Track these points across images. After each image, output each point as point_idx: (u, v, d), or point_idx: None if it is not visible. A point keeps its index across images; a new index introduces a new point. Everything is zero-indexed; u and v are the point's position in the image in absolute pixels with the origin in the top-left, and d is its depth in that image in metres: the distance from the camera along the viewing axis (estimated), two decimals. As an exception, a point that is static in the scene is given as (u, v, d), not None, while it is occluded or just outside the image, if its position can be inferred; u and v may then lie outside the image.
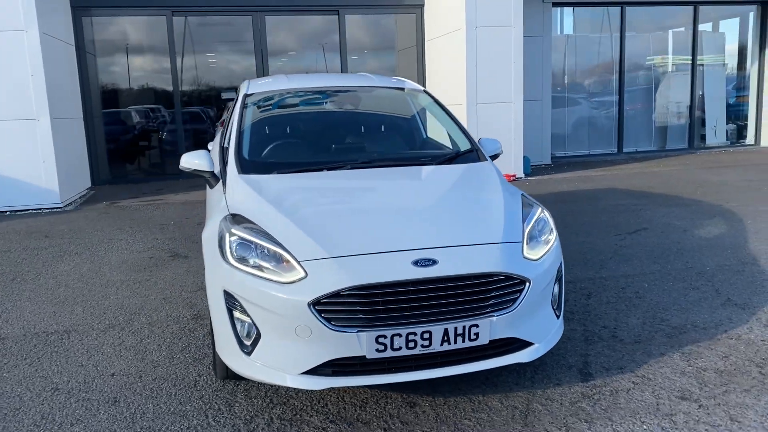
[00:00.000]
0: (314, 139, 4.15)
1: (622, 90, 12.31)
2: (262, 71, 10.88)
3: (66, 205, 8.55)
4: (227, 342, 2.91)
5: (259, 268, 2.82)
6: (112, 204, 8.73)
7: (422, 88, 4.46)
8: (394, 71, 11.98)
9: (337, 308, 2.67)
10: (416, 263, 2.73)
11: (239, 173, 3.48)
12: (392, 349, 2.70)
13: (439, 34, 10.57)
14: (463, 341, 2.77)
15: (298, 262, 2.75)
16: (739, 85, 13.53)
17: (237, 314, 2.87)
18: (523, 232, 3.05)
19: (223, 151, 3.90)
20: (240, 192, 3.34)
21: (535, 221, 3.17)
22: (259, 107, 4.19)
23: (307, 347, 2.71)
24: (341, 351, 2.69)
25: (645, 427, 2.78)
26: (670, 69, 12.88)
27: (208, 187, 4.13)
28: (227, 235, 2.98)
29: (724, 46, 13.31)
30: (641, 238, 6.01)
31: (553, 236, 3.18)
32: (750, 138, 13.29)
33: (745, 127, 13.41)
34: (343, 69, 11.18)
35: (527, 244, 3.00)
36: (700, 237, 5.95)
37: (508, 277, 2.82)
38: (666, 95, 12.87)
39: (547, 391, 3.12)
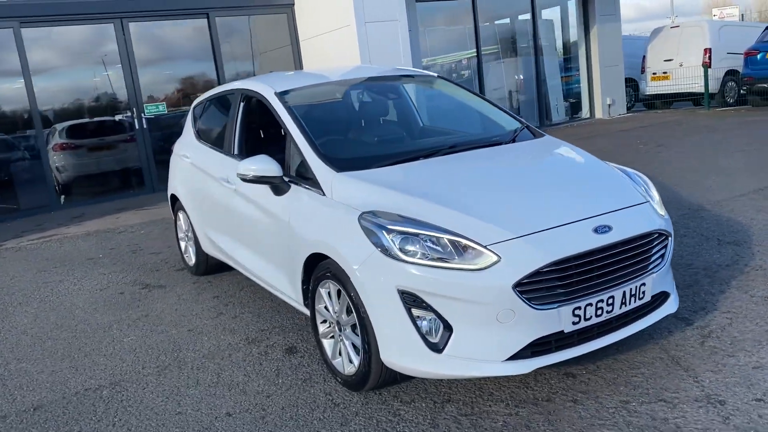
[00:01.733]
0: (380, 131, 3.95)
1: (481, 74, 13.12)
2: (132, 84, 9.96)
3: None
4: (407, 344, 2.72)
5: (438, 259, 2.68)
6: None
7: (437, 75, 4.47)
8: (267, 71, 11.63)
9: (536, 287, 2.65)
10: (596, 231, 2.78)
11: (337, 172, 3.24)
12: (584, 319, 2.74)
13: (322, 31, 10.48)
14: (635, 301, 2.89)
15: (485, 247, 2.66)
16: (571, 65, 15.11)
17: (417, 312, 2.70)
18: (648, 190, 3.24)
19: (286, 154, 3.59)
20: (355, 189, 3.11)
21: (644, 180, 3.37)
22: (301, 105, 3.90)
23: (508, 332, 2.64)
24: (541, 330, 2.67)
25: (780, 350, 3.12)
26: (518, 54, 14.02)
27: (254, 200, 3.76)
28: (383, 232, 2.78)
29: (553, 32, 14.77)
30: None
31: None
32: (585, 112, 14.92)
33: (580, 103, 15.03)
34: (219, 73, 10.63)
35: (655, 201, 3.19)
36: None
37: (660, 234, 2.99)
38: (514, 78, 13.98)
39: (671, 340, 3.34)
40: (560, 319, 2.67)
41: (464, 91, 4.33)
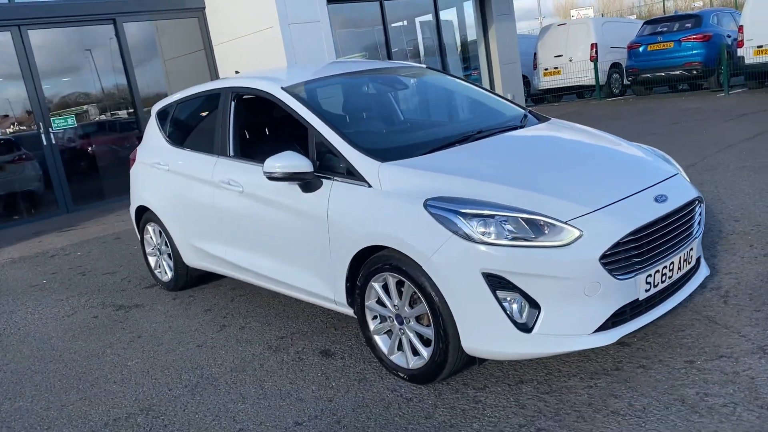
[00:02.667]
0: (403, 121, 3.84)
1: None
2: (36, 96, 9.14)
3: None
4: (494, 327, 2.70)
5: (520, 238, 2.68)
6: None
7: (426, 66, 4.46)
8: (179, 75, 11.12)
9: (616, 258, 2.72)
10: (656, 200, 2.90)
11: (382, 162, 3.15)
12: (654, 286, 2.85)
13: (240, 35, 10.16)
14: (686, 266, 3.06)
15: (565, 223, 2.70)
16: (470, 64, 15.63)
17: (502, 294, 2.69)
18: (671, 162, 3.42)
19: (310, 149, 3.44)
20: (406, 178, 3.03)
21: (662, 154, 3.56)
22: (314, 99, 3.75)
23: (594, 304, 2.70)
24: (622, 299, 2.75)
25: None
26: (425, 54, 14.30)
27: (274, 200, 3.58)
28: (459, 217, 2.74)
29: (454, 32, 15.22)
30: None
31: None
32: (489, 108, 15.48)
33: (483, 99, 15.57)
34: (131, 80, 10.01)
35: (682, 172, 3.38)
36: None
37: (699, 200, 3.17)
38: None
39: (697, 303, 3.54)
40: (636, 287, 2.76)
41: (459, 81, 4.37)
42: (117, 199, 9.79)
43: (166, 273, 5.00)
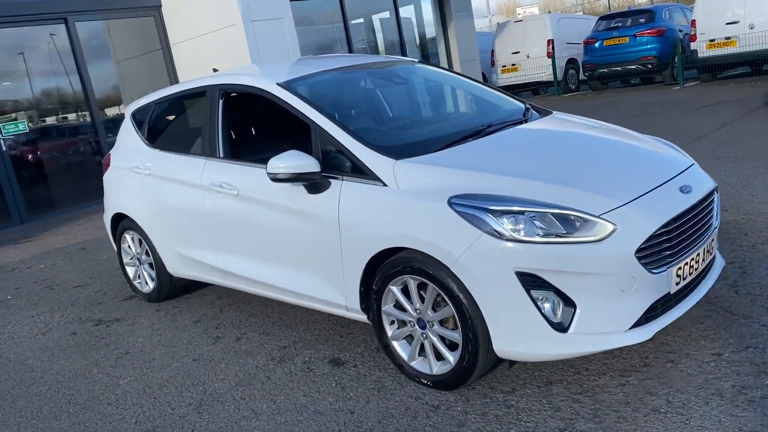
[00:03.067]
0: (409, 116, 3.67)
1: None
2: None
3: None
4: (529, 328, 2.59)
5: (553, 235, 2.58)
6: None
7: (417, 60, 4.31)
8: (134, 77, 10.70)
9: (650, 252, 2.64)
10: (681, 191, 2.84)
11: (396, 160, 3.00)
12: (683, 278, 2.79)
13: (200, 33, 9.82)
14: (709, 256, 3.01)
15: (598, 217, 2.61)
16: (431, 62, 15.60)
17: (536, 293, 2.58)
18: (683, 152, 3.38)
19: (314, 147, 3.26)
20: (425, 176, 2.89)
21: (672, 144, 3.51)
22: (313, 93, 3.56)
23: (629, 300, 2.62)
24: (656, 294, 2.68)
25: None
26: (385, 52, 14.17)
27: (276, 203, 3.39)
28: (488, 214, 2.62)
29: (413, 29, 15.16)
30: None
31: None
32: (449, 105, 15.49)
33: (443, 96, 15.57)
34: (85, 82, 9.55)
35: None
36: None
37: (715, 190, 3.13)
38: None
39: (709, 294, 3.51)
40: (668, 281, 2.70)
41: (454, 75, 4.25)
42: (75, 207, 9.34)
43: (147, 284, 4.72)
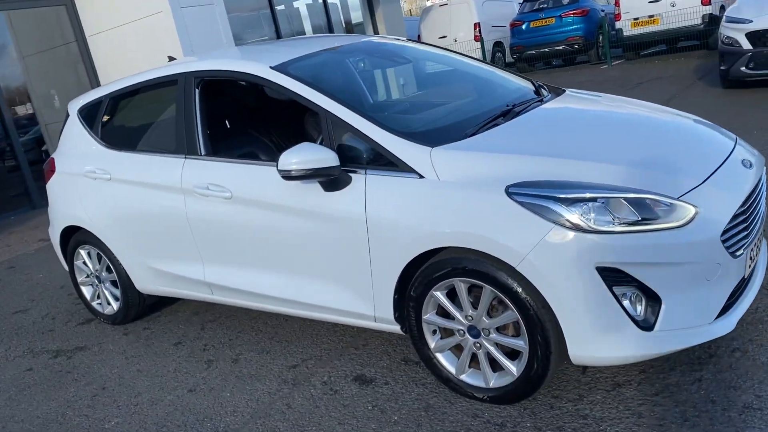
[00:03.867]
0: (428, 98, 3.25)
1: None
2: None
3: None
4: (612, 329, 2.30)
5: (630, 223, 2.29)
6: None
7: (406, 39, 3.92)
8: (43, 73, 9.73)
9: (730, 234, 2.41)
10: (744, 165, 2.63)
11: (432, 147, 2.63)
12: (752, 260, 2.59)
13: (121, 22, 8.99)
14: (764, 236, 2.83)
15: (677, 199, 2.34)
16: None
17: (619, 290, 2.30)
18: None
19: (327, 137, 2.84)
20: (470, 164, 2.53)
21: None
22: (316, 77, 3.11)
23: (713, 288, 2.38)
24: (735, 279, 2.46)
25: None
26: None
27: (283, 204, 2.94)
28: (559, 204, 2.31)
29: (340, 14, 14.69)
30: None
31: None
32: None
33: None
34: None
35: None
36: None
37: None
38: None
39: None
40: (744, 265, 2.48)
41: (450, 53, 3.89)
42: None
43: (109, 304, 4.13)
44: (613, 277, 2.28)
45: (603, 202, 2.31)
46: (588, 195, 2.33)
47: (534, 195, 2.36)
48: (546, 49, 14.37)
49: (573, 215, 2.29)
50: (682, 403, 2.44)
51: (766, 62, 7.42)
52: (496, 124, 2.86)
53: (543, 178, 2.42)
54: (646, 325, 2.32)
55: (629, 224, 2.29)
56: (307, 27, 13.68)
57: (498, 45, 16.24)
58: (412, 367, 3.01)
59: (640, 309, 2.33)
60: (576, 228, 2.28)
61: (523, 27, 14.71)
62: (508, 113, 2.98)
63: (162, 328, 4.02)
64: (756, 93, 7.59)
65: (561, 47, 14.21)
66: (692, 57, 12.00)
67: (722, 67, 7.94)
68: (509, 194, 2.38)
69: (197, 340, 3.75)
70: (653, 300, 2.32)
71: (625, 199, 2.32)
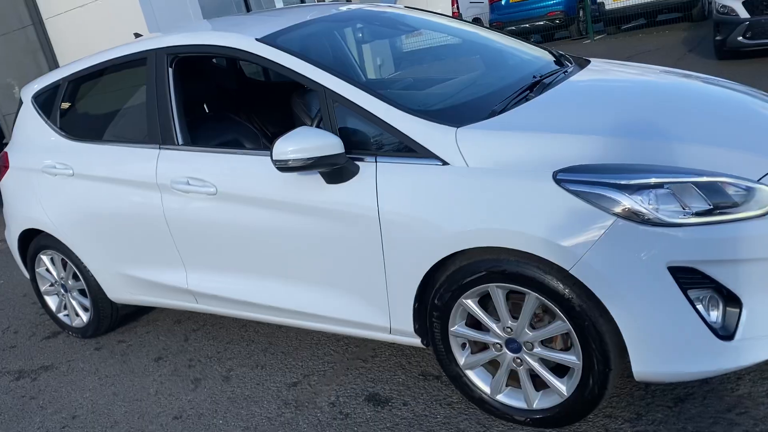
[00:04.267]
0: (443, 71, 2.82)
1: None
2: None
3: None
4: (689, 340, 1.92)
5: (704, 212, 1.91)
6: None
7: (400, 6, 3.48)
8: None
9: (809, 222, 2.04)
10: None
11: (457, 128, 2.21)
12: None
13: (80, 3, 8.36)
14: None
15: (757, 182, 1.97)
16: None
17: (695, 293, 1.93)
18: None
19: (333, 120, 2.40)
20: (499, 148, 2.12)
21: None
22: (312, 50, 2.66)
23: (795, 288, 2.01)
24: (814, 275, 2.09)
25: None
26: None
27: (279, 200, 2.51)
28: (620, 191, 1.91)
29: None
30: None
31: None
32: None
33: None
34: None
35: None
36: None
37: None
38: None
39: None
40: (815, 256, 2.12)
41: (451, 20, 3.46)
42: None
43: (78, 315, 3.66)
44: (687, 278, 1.90)
45: (670, 188, 1.93)
46: (653, 180, 1.93)
47: (589, 182, 1.96)
48: (526, 25, 13.96)
49: (638, 204, 1.90)
50: (762, 420, 2.09)
51: (765, 30, 7.12)
52: (526, 99, 2.44)
53: (598, 161, 2.03)
54: (725, 333, 1.95)
55: (703, 214, 1.90)
56: (278, 3, 13.09)
57: (476, 21, 15.79)
58: (432, 384, 2.62)
59: (717, 315, 1.96)
60: (643, 221, 1.89)
61: (503, 2, 14.29)
62: (537, 86, 2.57)
63: (140, 341, 3.56)
64: (753, 63, 7.29)
65: (542, 22, 13.82)
66: (677, 29, 11.71)
67: (717, 38, 7.61)
68: (558, 181, 1.98)
69: (181, 354, 3.31)
70: (732, 303, 1.95)
71: (696, 183, 1.94)
